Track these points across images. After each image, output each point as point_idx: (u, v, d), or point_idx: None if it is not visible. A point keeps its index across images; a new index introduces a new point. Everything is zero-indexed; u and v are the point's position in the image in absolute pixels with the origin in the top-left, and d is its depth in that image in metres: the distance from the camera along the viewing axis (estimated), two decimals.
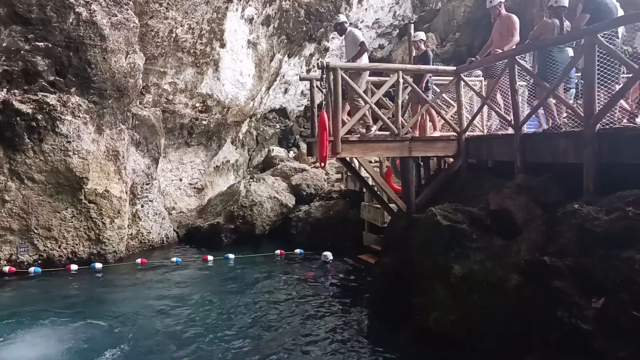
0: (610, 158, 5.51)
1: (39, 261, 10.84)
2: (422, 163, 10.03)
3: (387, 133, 8.79)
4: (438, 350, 5.59)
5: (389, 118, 8.68)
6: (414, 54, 9.61)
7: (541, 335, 4.78)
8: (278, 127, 22.11)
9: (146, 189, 13.58)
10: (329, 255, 11.15)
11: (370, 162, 10.91)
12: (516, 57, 6.98)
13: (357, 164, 10.79)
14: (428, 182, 9.46)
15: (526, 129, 7.18)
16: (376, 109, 8.25)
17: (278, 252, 12.26)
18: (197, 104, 15.65)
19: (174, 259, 11.78)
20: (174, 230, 14.54)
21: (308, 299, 8.51)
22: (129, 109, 12.54)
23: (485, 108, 8.77)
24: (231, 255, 12.05)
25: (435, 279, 5.86)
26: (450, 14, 22.15)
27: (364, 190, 11.89)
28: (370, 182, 10.33)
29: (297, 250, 12.36)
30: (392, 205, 9.06)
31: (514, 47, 7.55)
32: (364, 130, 8.41)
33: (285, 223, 14.46)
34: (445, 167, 9.50)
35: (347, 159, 9.05)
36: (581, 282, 4.67)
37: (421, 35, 9.56)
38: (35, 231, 10.91)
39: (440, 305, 5.62)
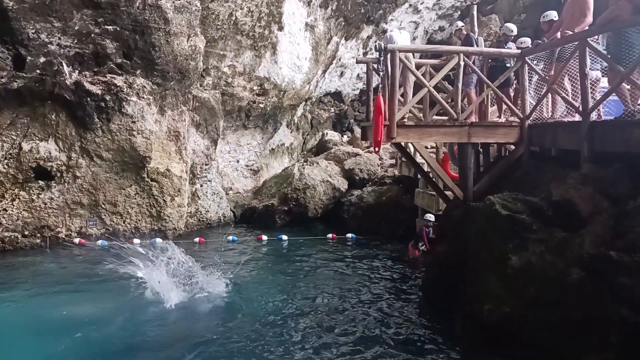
0: None
1: (106, 235, 11.50)
2: (481, 150, 9.72)
3: (445, 118, 8.57)
4: (489, 342, 5.46)
5: (447, 103, 8.45)
6: (457, 44, 9.49)
7: (602, 334, 4.55)
8: (333, 110, 22.06)
9: (205, 169, 14.02)
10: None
11: (427, 147, 10.70)
12: (588, 40, 6.55)
13: (412, 149, 10.62)
14: (487, 170, 9.15)
15: (603, 115, 6.79)
16: (435, 92, 8.04)
17: (330, 235, 12.36)
18: (255, 87, 15.89)
19: (230, 238, 12.16)
20: (231, 209, 14.96)
21: (359, 283, 8.54)
22: (190, 91, 12.92)
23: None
24: (284, 237, 12.29)
25: (491, 269, 5.69)
26: None
27: (419, 176, 11.69)
28: (426, 168, 10.14)
29: (349, 235, 12.39)
30: (448, 193, 8.85)
31: (586, 28, 7.09)
32: (420, 115, 8.24)
33: (337, 207, 14.51)
34: (506, 155, 9.15)
35: (402, 144, 8.91)
36: None
37: (459, 24, 9.91)
38: (103, 206, 11.57)
39: (495, 296, 5.47)
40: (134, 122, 11.51)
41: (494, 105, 9.82)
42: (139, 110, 11.57)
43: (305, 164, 15.44)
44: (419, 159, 10.15)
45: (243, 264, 9.67)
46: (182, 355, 5.66)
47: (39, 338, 6.12)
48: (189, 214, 13.22)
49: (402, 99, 8.31)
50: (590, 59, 6.63)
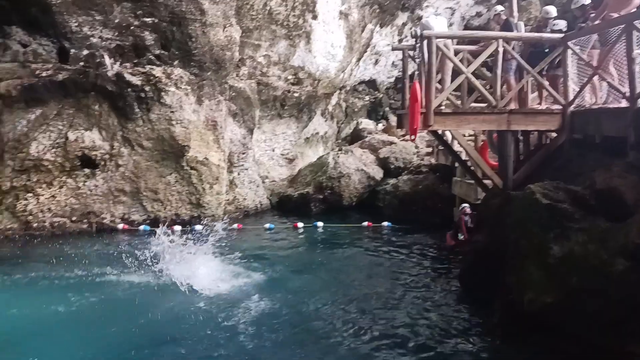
0: None
1: (147, 221, 11.90)
2: (521, 137, 9.50)
3: (484, 105, 8.42)
4: (529, 331, 5.42)
5: (486, 89, 8.29)
6: (496, 30, 9.24)
7: None
8: (367, 99, 21.92)
9: (242, 158, 14.26)
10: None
11: (464, 135, 10.53)
12: (635, 23, 6.30)
13: (449, 137, 10.48)
14: (527, 158, 8.96)
15: None
16: (473, 79, 7.92)
17: (365, 223, 12.38)
18: (289, 77, 15.97)
19: (267, 225, 12.37)
20: (267, 197, 15.18)
21: (396, 271, 8.55)
22: (226, 81, 13.12)
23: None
24: (320, 224, 12.40)
25: (531, 258, 5.62)
26: None
27: (456, 165, 11.54)
28: (464, 156, 10.01)
29: (385, 223, 12.38)
30: (486, 182, 8.73)
31: (634, 11, 6.81)
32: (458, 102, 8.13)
33: (372, 195, 14.50)
34: (547, 143, 8.93)
35: (440, 131, 8.81)
36: None
37: (498, 8, 9.72)
38: (144, 193, 11.96)
39: (536, 286, 5.40)
40: (172, 112, 11.80)
41: (534, 92, 9.57)
42: (177, 100, 11.84)
43: (339, 152, 15.47)
44: (456, 147, 10.02)
45: (280, 252, 9.84)
46: (219, 344, 5.73)
47: (86, 320, 6.41)
48: (227, 202, 13.49)
49: (439, 86, 8.22)
50: (637, 43, 6.38)
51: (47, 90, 11.19)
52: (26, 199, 11.17)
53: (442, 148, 12.65)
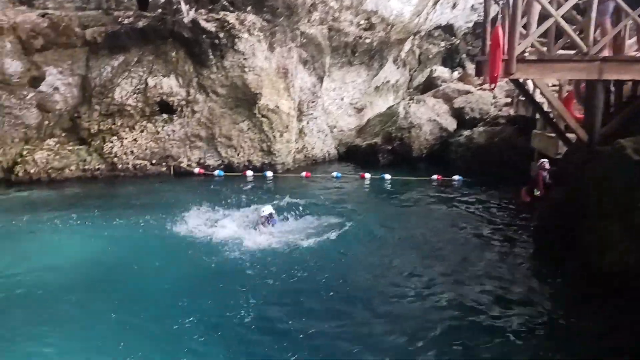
0: None
1: (222, 166, 12.39)
2: (613, 88, 8.70)
3: (572, 52, 7.73)
4: (606, 293, 5.17)
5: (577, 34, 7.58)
6: None
7: None
8: (443, 45, 20.88)
9: (311, 107, 14.27)
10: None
11: (548, 85, 9.81)
12: None
13: (531, 86, 9.82)
14: (617, 111, 8.21)
15: None
16: (563, 22, 7.24)
17: (435, 176, 12.13)
18: (362, 22, 15.46)
19: (335, 174, 12.48)
20: (335, 147, 15.22)
21: (466, 227, 8.37)
22: (298, 27, 12.97)
23: None
24: (387, 176, 12.30)
25: (614, 218, 5.29)
26: None
27: (537, 116, 10.86)
28: (546, 107, 9.37)
29: (456, 177, 12.06)
30: (570, 135, 8.14)
31: None
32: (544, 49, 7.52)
33: (443, 147, 14.08)
34: None
35: (521, 80, 8.24)
36: None
37: None
38: (219, 139, 12.39)
39: (618, 247, 5.10)
40: (245, 59, 11.93)
41: (632, 37, 8.63)
42: (250, 47, 11.92)
43: (411, 102, 15.03)
44: (538, 98, 9.38)
45: (346, 202, 9.87)
46: (282, 293, 5.83)
47: (166, 255, 6.91)
48: (296, 150, 13.69)
49: (523, 31, 7.60)
50: None
51: (128, 37, 11.68)
52: (111, 142, 11.97)
53: (523, 98, 11.92)
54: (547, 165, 9.46)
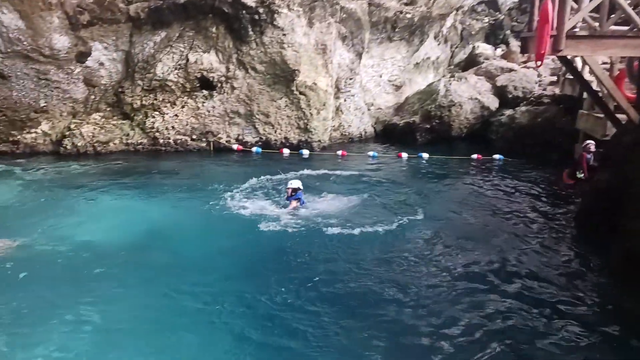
0: None
1: (259, 143, 12.51)
2: None
3: (626, 28, 7.35)
4: None
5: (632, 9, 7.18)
6: None
7: None
8: (486, 20, 20.21)
9: (349, 84, 14.14)
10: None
11: (598, 62, 9.37)
12: None
13: (580, 64, 9.42)
14: None
15: None
16: None
17: (475, 156, 11.89)
18: None
19: (371, 153, 12.40)
20: (372, 125, 15.09)
21: (506, 208, 8.18)
22: (338, 2, 12.78)
23: None
24: (425, 155, 12.14)
25: None
26: None
27: (585, 96, 10.43)
28: (595, 86, 8.98)
29: (496, 156, 11.80)
30: (620, 116, 7.81)
31: None
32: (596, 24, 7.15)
33: (484, 127, 13.76)
34: None
35: (570, 57, 7.90)
36: None
37: None
38: (257, 116, 12.49)
39: None
40: (284, 34, 11.88)
41: None
42: (289, 22, 11.86)
43: (451, 79, 14.68)
44: (587, 76, 8.99)
45: (382, 182, 9.76)
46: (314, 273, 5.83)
47: (203, 229, 7.11)
48: (333, 128, 13.65)
49: (575, 5, 7.25)
50: None
51: (170, 13, 11.82)
52: (153, 117, 12.26)
53: (570, 77, 11.46)
54: (593, 148, 9.13)
